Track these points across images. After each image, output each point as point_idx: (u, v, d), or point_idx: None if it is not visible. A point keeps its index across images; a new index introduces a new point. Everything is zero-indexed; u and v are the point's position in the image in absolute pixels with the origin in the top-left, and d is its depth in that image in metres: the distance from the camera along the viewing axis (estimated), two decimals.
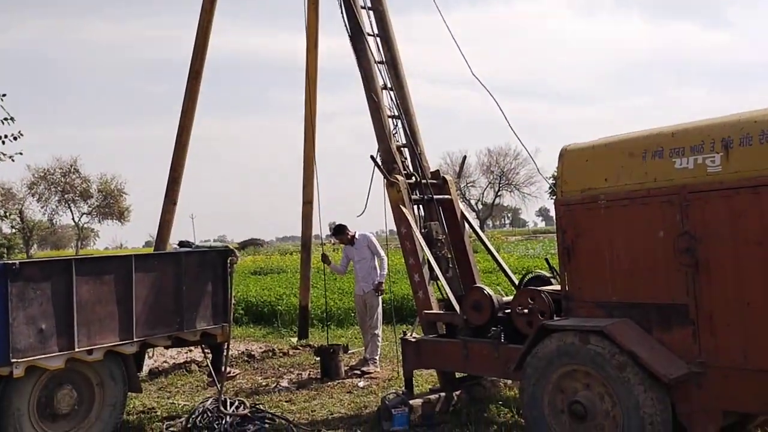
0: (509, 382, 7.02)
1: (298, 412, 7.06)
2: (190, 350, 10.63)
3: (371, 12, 8.09)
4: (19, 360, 5.37)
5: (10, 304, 5.35)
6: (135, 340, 6.17)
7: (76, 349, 5.75)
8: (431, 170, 7.84)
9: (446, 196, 7.76)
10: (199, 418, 6.47)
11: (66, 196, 56.32)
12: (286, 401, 7.56)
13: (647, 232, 4.92)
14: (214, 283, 6.81)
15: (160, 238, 10.39)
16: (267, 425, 6.46)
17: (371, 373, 8.70)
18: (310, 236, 11.86)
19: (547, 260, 7.27)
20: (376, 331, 9.04)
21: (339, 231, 9.35)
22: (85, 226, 62.11)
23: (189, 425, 6.45)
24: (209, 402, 6.75)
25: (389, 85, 7.91)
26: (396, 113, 7.84)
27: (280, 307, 14.19)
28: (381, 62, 7.95)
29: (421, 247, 7.07)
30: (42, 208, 56.63)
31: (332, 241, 21.40)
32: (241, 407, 6.72)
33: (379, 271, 9.10)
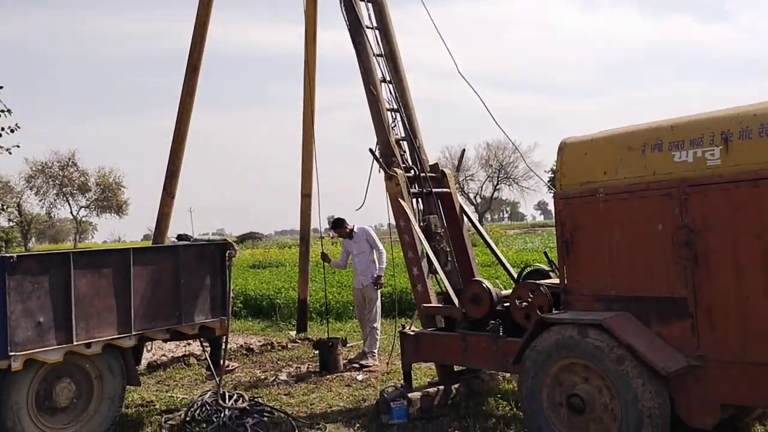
0: (508, 375, 7.03)
1: (297, 406, 7.07)
2: (189, 344, 10.65)
3: (370, 5, 8.07)
4: (17, 353, 5.37)
5: (8, 297, 5.34)
6: (133, 333, 6.17)
7: (75, 343, 5.74)
8: (430, 163, 7.83)
9: (445, 190, 7.76)
10: (197, 412, 6.48)
11: (64, 189, 56.29)
12: (284, 394, 7.57)
13: (646, 225, 4.92)
14: (213, 277, 6.80)
15: (159, 232, 10.37)
16: (266, 418, 6.46)
17: (370, 366, 8.71)
18: (309, 230, 11.86)
19: (545, 254, 7.27)
20: (374, 325, 9.04)
21: (337, 224, 9.35)
22: (84, 219, 62.16)
23: (188, 418, 6.45)
24: (208, 395, 6.76)
25: (388, 78, 7.90)
26: (395, 106, 7.83)
27: (278, 301, 14.21)
28: (380, 55, 7.93)
29: (420, 240, 7.07)
30: (40, 201, 56.69)
31: (331, 235, 21.41)
32: (240, 400, 6.72)
33: (377, 265, 9.10)
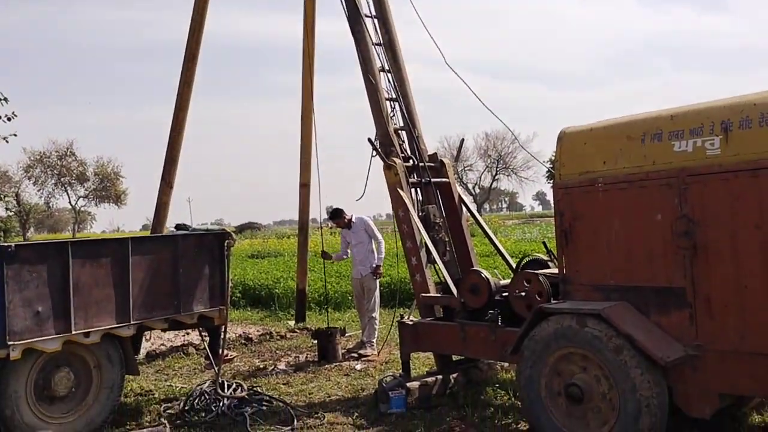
0: (506, 365, 7.04)
1: (296, 395, 7.09)
2: (188, 333, 10.66)
3: None
4: (15, 342, 5.37)
5: (7, 286, 5.33)
6: (132, 322, 6.16)
7: (73, 332, 5.73)
8: (429, 153, 7.81)
9: (444, 180, 7.74)
10: (196, 401, 6.50)
11: (62, 179, 56.22)
12: (283, 384, 7.58)
13: (645, 215, 4.91)
14: (211, 266, 6.79)
15: (157, 221, 10.37)
16: (264, 407, 6.48)
17: (368, 356, 8.72)
18: (308, 220, 11.85)
19: (544, 243, 7.26)
20: (373, 314, 9.05)
21: (336, 215, 9.34)
22: (82, 209, 62.17)
23: (186, 407, 6.47)
24: (207, 384, 6.78)
25: (387, 68, 7.86)
26: (394, 96, 7.79)
27: (277, 291, 14.22)
28: (379, 44, 7.89)
29: (419, 230, 7.06)
30: (38, 191, 56.67)
31: (329, 225, 21.40)
32: (239, 390, 6.74)
33: (376, 255, 9.10)
